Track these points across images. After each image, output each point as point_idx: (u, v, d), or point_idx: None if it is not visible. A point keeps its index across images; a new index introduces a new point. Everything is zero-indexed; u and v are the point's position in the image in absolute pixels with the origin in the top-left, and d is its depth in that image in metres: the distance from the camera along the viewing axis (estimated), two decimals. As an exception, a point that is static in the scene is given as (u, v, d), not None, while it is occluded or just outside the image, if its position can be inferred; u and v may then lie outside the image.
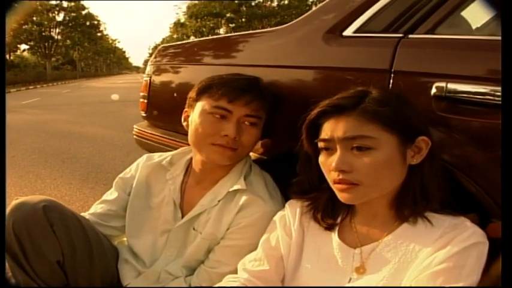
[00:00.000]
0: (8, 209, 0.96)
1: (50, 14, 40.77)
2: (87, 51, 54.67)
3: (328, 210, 0.87)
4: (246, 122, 1.02)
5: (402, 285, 0.73)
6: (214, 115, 1.01)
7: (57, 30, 42.02)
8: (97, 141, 5.51)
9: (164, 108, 1.63)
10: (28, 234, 0.94)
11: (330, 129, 0.78)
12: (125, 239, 1.18)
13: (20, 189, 3.28)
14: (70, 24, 43.15)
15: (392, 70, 0.94)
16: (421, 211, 0.77)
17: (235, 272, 0.94)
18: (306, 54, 1.16)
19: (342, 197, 0.78)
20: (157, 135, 1.60)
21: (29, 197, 0.99)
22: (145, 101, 1.68)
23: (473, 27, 1.36)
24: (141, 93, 1.71)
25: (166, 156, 1.19)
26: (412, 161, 0.77)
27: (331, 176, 0.79)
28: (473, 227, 0.73)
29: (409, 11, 1.00)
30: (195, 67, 1.52)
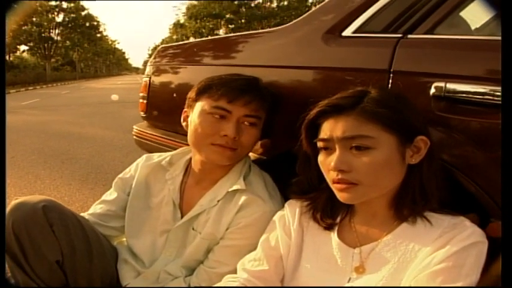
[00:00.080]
0: (7, 209, 0.96)
1: (50, 15, 40.76)
2: (87, 52, 54.67)
3: (327, 210, 0.87)
4: (245, 122, 1.02)
5: (401, 285, 0.73)
6: (213, 115, 1.01)
7: (57, 31, 42.02)
8: (96, 142, 5.51)
9: (164, 108, 1.63)
10: (27, 234, 0.94)
11: (329, 129, 0.78)
12: (125, 239, 1.18)
13: (20, 190, 3.28)
14: (70, 25, 43.15)
15: (392, 70, 0.94)
16: (420, 211, 0.77)
17: (234, 272, 0.94)
18: (305, 55, 1.16)
19: (341, 196, 0.78)
20: (157, 136, 1.60)
21: (29, 197, 0.99)
22: (145, 101, 1.68)
23: (473, 27, 1.36)
24: (141, 94, 1.71)
25: (165, 156, 1.20)
26: (411, 160, 0.77)
27: (330, 176, 0.79)
28: (473, 227, 0.73)
29: (408, 11, 1.00)
30: (195, 67, 1.53)
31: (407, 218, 0.78)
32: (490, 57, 0.85)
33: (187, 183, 1.14)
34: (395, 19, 1.01)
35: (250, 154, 1.16)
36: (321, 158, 0.81)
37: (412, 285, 0.70)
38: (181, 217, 1.10)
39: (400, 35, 0.98)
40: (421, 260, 0.72)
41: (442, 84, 0.86)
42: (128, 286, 1.08)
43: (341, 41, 1.08)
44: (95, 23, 48.64)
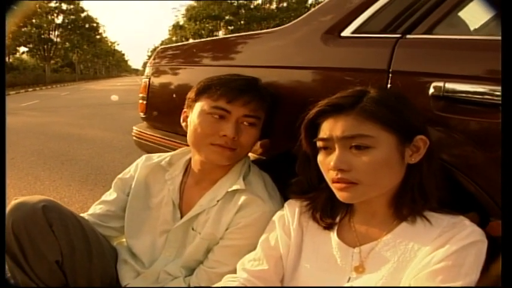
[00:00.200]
0: (7, 209, 0.96)
1: (49, 17, 40.72)
2: (86, 53, 54.64)
3: (327, 210, 0.87)
4: (244, 122, 1.03)
5: (401, 284, 0.73)
6: (213, 115, 1.01)
7: (57, 32, 41.99)
8: (96, 143, 5.51)
9: (163, 109, 1.63)
10: (27, 234, 0.93)
11: (328, 128, 0.78)
12: (124, 239, 1.18)
13: (19, 191, 3.27)
14: (69, 27, 43.12)
15: (390, 70, 0.95)
16: (420, 210, 0.77)
17: (234, 272, 0.94)
18: (304, 55, 1.17)
19: (340, 196, 0.78)
20: (157, 137, 1.60)
21: (28, 197, 0.99)
22: (145, 102, 1.68)
23: (472, 28, 1.37)
24: (140, 95, 1.72)
25: (165, 156, 1.20)
26: (410, 160, 0.77)
27: (329, 175, 0.79)
28: (472, 226, 0.73)
29: (406, 11, 1.00)
30: (194, 68, 1.53)
31: (407, 217, 0.78)
32: (489, 57, 0.85)
33: (187, 183, 1.14)
34: (394, 19, 1.02)
35: (250, 154, 1.16)
36: (320, 157, 0.81)
37: (412, 285, 0.71)
38: (181, 217, 1.10)
39: (398, 35, 0.98)
40: (420, 259, 0.72)
41: (440, 84, 0.87)
42: (127, 286, 1.08)
43: (340, 41, 1.09)
44: (95, 25, 48.63)
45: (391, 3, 1.03)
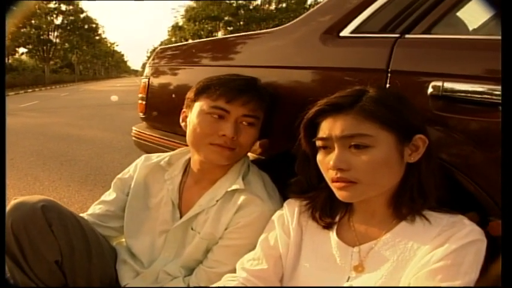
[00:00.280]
0: (6, 209, 0.96)
1: (49, 18, 40.68)
2: (86, 54, 54.65)
3: (326, 209, 0.87)
4: (243, 122, 1.03)
5: (400, 283, 0.73)
6: (212, 115, 1.01)
7: (56, 33, 41.97)
8: (95, 143, 5.51)
9: (162, 109, 1.63)
10: (27, 234, 0.93)
11: (327, 127, 0.78)
12: (124, 239, 1.18)
13: (19, 192, 3.27)
14: (68, 28, 43.10)
15: (389, 70, 0.95)
16: (419, 209, 0.77)
17: (233, 271, 0.94)
18: (303, 55, 1.17)
19: (340, 195, 0.78)
20: (156, 137, 1.60)
21: (28, 197, 0.99)
22: (144, 102, 1.68)
23: (471, 28, 1.37)
24: (140, 95, 1.72)
25: (164, 156, 1.20)
26: (409, 159, 0.78)
27: (329, 175, 0.79)
28: (471, 225, 0.73)
29: (405, 11, 1.01)
30: (193, 68, 1.53)
31: (406, 216, 0.78)
32: (487, 56, 0.86)
33: (186, 183, 1.14)
34: (392, 19, 1.02)
35: (249, 154, 1.16)
36: (319, 157, 0.82)
37: (411, 284, 0.71)
38: (180, 217, 1.10)
39: (397, 35, 0.98)
40: (420, 258, 0.72)
41: (439, 83, 0.87)
42: (127, 286, 1.08)
43: (339, 41, 1.09)
44: (94, 26, 48.63)
45: (389, 3, 1.03)
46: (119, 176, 1.23)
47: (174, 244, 1.09)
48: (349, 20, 1.08)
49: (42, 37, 39.50)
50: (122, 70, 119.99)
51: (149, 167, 1.19)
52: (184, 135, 1.10)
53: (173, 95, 1.53)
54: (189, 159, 1.15)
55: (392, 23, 1.02)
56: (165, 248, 1.10)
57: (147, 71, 1.70)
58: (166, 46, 1.79)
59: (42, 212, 0.96)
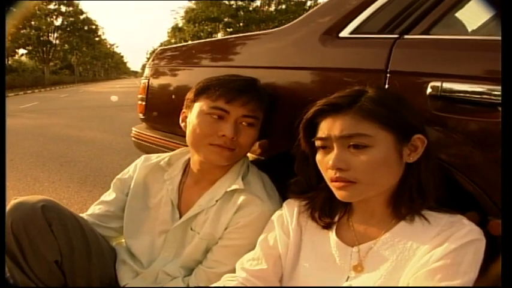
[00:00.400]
0: (6, 209, 0.96)
1: (48, 19, 40.69)
2: (85, 55, 54.68)
3: (325, 209, 0.87)
4: (243, 123, 1.03)
5: (400, 283, 0.73)
6: (212, 115, 1.02)
7: (56, 34, 41.99)
8: (95, 145, 5.51)
9: (162, 110, 1.64)
10: (26, 234, 0.93)
11: (326, 127, 0.79)
12: (123, 240, 1.18)
13: (18, 193, 3.27)
14: (68, 29, 43.12)
15: (388, 70, 0.95)
16: (418, 209, 0.78)
17: (233, 271, 0.94)
18: (302, 56, 1.17)
19: (339, 195, 0.79)
20: (156, 137, 1.60)
21: (28, 197, 0.99)
22: (144, 103, 1.69)
23: (470, 30, 1.37)
24: (139, 96, 1.72)
25: (164, 156, 1.20)
26: (408, 159, 0.78)
27: (328, 175, 0.79)
28: (470, 225, 0.73)
29: (404, 12, 1.01)
30: (193, 69, 1.53)
31: (405, 216, 0.79)
32: (486, 57, 0.86)
33: (186, 183, 1.14)
34: (391, 20, 1.02)
35: (249, 154, 1.16)
36: (319, 157, 0.82)
37: (411, 283, 0.71)
38: (180, 217, 1.10)
39: (396, 36, 0.99)
40: (419, 258, 0.73)
41: (438, 83, 0.87)
42: (126, 286, 1.08)
43: (338, 42, 1.09)
44: (94, 27, 48.66)
45: (388, 4, 1.03)
46: (119, 176, 1.23)
47: (174, 244, 1.09)
48: (348, 21, 1.08)
49: (42, 38, 39.52)
50: (122, 71, 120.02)
51: (149, 167, 1.19)
52: (184, 136, 1.10)
53: (173, 96, 1.53)
54: (189, 160, 1.15)
55: (392, 23, 1.02)
56: (165, 248, 1.10)
57: (147, 72, 1.71)
58: (166, 47, 1.79)
59: (42, 212, 0.96)
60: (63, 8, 42.25)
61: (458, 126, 0.87)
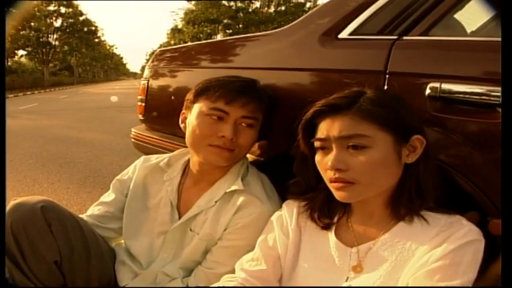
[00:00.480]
0: (6, 210, 0.96)
1: (48, 20, 40.66)
2: (85, 57, 54.66)
3: (324, 210, 0.88)
4: (242, 124, 1.03)
5: (399, 284, 0.73)
6: (211, 116, 1.02)
7: (55, 36, 41.94)
8: (94, 146, 5.51)
9: (162, 111, 1.64)
10: (26, 234, 0.94)
11: (325, 128, 0.79)
12: (123, 241, 1.18)
13: (18, 194, 3.26)
14: (68, 30, 43.09)
15: (387, 71, 0.95)
16: (417, 210, 0.78)
17: (232, 272, 0.94)
18: (302, 57, 1.17)
19: (338, 195, 0.79)
20: (155, 138, 1.60)
21: (27, 198, 0.99)
22: (143, 104, 1.69)
23: (469, 31, 1.38)
24: (139, 97, 1.72)
25: (163, 157, 1.20)
26: (407, 160, 0.78)
27: (327, 175, 0.80)
28: (469, 225, 0.73)
29: (403, 13, 1.01)
30: (192, 70, 1.54)
31: (404, 217, 0.79)
32: (485, 58, 0.87)
33: (185, 184, 1.14)
34: (390, 21, 1.03)
35: (248, 155, 1.17)
36: (318, 157, 0.82)
37: (410, 284, 0.71)
38: (179, 218, 1.10)
39: (395, 37, 0.99)
40: (418, 259, 0.73)
41: (437, 84, 0.88)
42: (125, 287, 1.08)
43: (337, 43, 1.10)
44: (93, 28, 48.61)
45: (387, 6, 1.04)
46: (118, 177, 1.24)
47: (173, 245, 1.09)
48: (347, 22, 1.09)
49: (41, 39, 39.49)
50: (121, 73, 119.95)
51: (148, 168, 1.19)
52: (184, 137, 1.10)
53: (172, 97, 1.53)
54: (188, 161, 1.15)
55: (390, 25, 1.02)
56: (164, 249, 1.10)
57: (147, 73, 1.71)
58: (166, 48, 1.80)
59: (42, 212, 0.96)
60: (62, 9, 42.24)
61: (457, 127, 0.87)
